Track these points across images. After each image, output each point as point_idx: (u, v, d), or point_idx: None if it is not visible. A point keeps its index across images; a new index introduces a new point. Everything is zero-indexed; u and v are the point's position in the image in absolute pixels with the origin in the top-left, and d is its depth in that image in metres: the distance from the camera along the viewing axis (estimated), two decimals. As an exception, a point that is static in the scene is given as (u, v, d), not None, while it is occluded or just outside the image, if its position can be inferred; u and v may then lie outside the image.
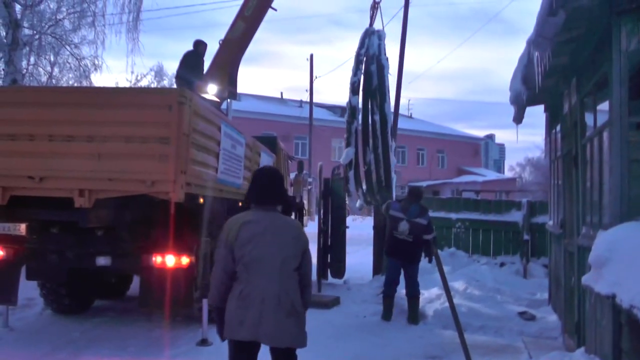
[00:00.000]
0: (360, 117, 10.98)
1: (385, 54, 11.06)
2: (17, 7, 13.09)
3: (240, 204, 8.95)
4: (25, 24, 13.29)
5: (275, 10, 12.26)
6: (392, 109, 12.07)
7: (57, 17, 13.99)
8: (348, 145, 11.14)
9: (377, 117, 10.75)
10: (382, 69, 10.87)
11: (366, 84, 10.93)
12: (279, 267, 3.57)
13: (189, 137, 6.21)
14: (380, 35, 11.12)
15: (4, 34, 12.79)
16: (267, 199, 3.76)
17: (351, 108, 10.99)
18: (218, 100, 11.62)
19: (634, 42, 4.34)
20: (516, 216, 12.66)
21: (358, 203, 12.22)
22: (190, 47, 11.52)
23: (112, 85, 21.36)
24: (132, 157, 6.16)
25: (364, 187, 11.29)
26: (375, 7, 11.50)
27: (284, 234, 3.67)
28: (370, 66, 10.86)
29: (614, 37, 4.41)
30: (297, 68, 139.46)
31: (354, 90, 10.89)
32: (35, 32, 13.55)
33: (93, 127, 6.26)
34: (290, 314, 3.57)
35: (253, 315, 3.49)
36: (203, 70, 11.54)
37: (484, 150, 66.09)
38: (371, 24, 11.45)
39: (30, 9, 13.16)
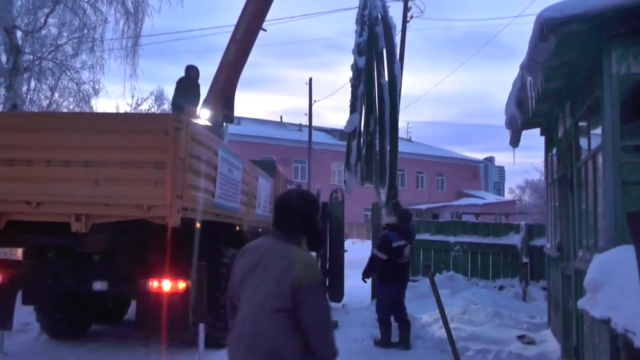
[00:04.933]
0: (364, 83, 10.16)
1: (390, 15, 10.66)
2: (19, 33, 13.24)
3: (237, 228, 8.98)
4: (27, 50, 13.43)
5: (265, 30, 12.32)
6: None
7: (58, 43, 14.15)
8: (353, 111, 10.11)
9: (384, 81, 10.25)
10: (389, 28, 10.50)
11: (371, 47, 10.34)
12: (258, 305, 2.92)
13: (185, 162, 6.24)
14: None
15: (5, 59, 12.91)
16: (276, 225, 3.17)
17: (357, 70, 10.10)
18: (210, 124, 11.66)
19: (624, 66, 4.39)
20: (515, 239, 12.65)
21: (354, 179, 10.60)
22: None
23: (113, 109, 21.49)
24: (128, 182, 6.19)
25: (363, 162, 10.34)
26: None
27: (273, 266, 2.97)
28: (375, 28, 10.39)
29: (605, 61, 4.46)
30: (296, 92, 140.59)
31: (359, 52, 10.12)
32: (35, 57, 13.69)
33: (90, 153, 6.31)
34: None
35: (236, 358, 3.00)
36: (198, 94, 11.63)
37: (484, 173, 66.17)
38: None
39: (31, 35, 13.30)
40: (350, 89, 10.11)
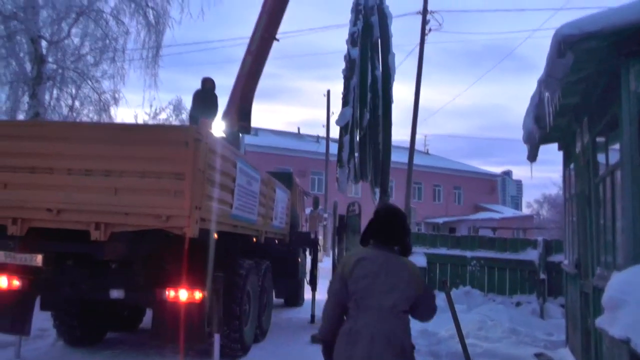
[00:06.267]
0: (357, 75, 9.89)
1: (386, 4, 10.29)
2: (43, 43, 13.50)
3: (254, 239, 9.02)
4: (50, 59, 13.68)
5: (278, 40, 12.41)
6: (409, 144, 11.44)
7: (80, 52, 14.39)
8: (345, 104, 9.93)
9: (378, 73, 9.91)
10: (384, 18, 10.19)
11: (366, 37, 10.05)
12: (389, 307, 3.47)
13: (205, 174, 6.30)
14: None
15: (30, 68, 13.16)
16: (385, 238, 3.64)
17: (350, 61, 9.95)
18: (225, 135, 11.78)
19: (643, 83, 4.38)
20: (532, 255, 12.55)
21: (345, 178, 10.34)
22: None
23: (131, 118, 21.71)
24: (148, 192, 6.25)
25: (357, 158, 10.06)
26: None
27: (398, 274, 3.54)
28: (371, 17, 10.11)
29: (623, 78, 4.46)
30: (313, 103, 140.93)
31: (352, 42, 9.98)
32: (58, 66, 13.93)
33: (111, 162, 6.39)
34: (399, 356, 3.45)
35: (362, 353, 3.42)
36: (215, 105, 11.76)
37: (501, 187, 65.72)
38: None
39: (54, 45, 13.55)
40: (343, 81, 9.84)
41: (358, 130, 9.94)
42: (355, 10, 10.09)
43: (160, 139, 6.58)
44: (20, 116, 13.42)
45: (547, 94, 5.28)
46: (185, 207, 6.09)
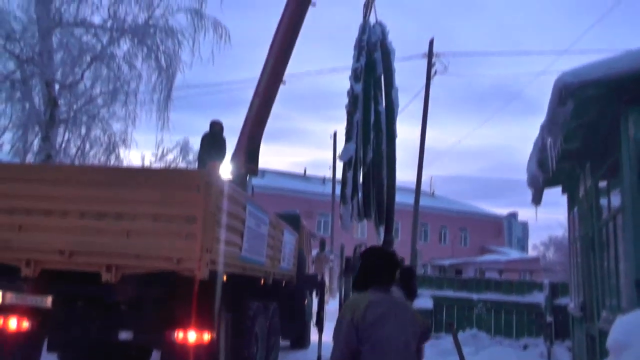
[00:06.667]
0: (361, 110, 9.81)
1: (389, 39, 10.36)
2: (56, 86, 13.81)
3: (262, 281, 9.07)
4: (62, 101, 13.99)
5: (284, 83, 12.59)
6: (415, 186, 11.23)
7: (92, 95, 14.69)
8: (349, 139, 9.75)
9: (381, 108, 9.91)
10: (387, 54, 10.26)
11: (369, 73, 10.07)
12: (404, 349, 3.63)
13: (215, 217, 6.41)
14: (382, 24, 10.51)
15: (43, 111, 13.45)
16: (383, 282, 3.81)
17: (353, 96, 9.82)
18: (233, 178, 11.90)
19: (642, 130, 4.53)
20: (538, 297, 12.56)
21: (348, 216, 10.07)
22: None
23: (138, 159, 21.88)
24: (159, 234, 6.35)
25: (360, 195, 9.87)
26: (369, 5, 10.78)
27: (405, 315, 3.72)
28: (374, 54, 10.16)
29: (622, 125, 4.61)
30: (320, 144, 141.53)
31: (356, 78, 9.90)
32: (70, 109, 14.23)
33: (123, 205, 6.51)
34: None
35: None
36: (223, 148, 11.91)
37: (507, 229, 65.38)
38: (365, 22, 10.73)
39: (68, 89, 13.88)
40: (346, 116, 9.75)
41: (361, 167, 9.92)
42: (359, 46, 10.21)
43: (172, 182, 6.71)
44: (31, 158, 13.66)
45: (549, 140, 5.42)
46: (196, 249, 6.18)
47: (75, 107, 14.44)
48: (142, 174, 7.58)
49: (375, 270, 3.82)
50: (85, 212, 6.60)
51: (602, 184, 5.98)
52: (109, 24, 13.86)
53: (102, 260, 6.42)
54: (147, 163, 21.82)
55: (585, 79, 4.48)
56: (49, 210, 6.68)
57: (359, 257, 11.31)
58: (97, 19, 13.98)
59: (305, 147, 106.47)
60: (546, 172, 6.35)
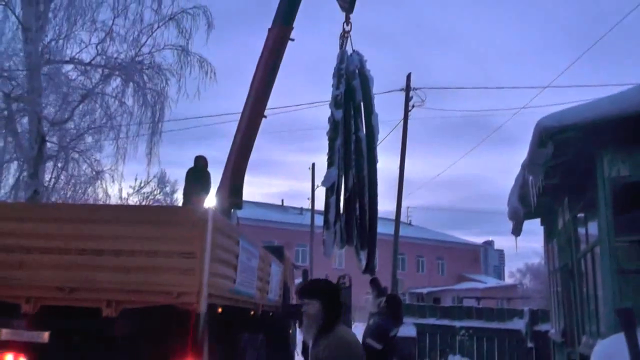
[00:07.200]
0: (342, 136, 9.97)
1: (367, 67, 10.58)
2: (45, 122, 13.89)
3: (252, 312, 9.26)
4: (50, 138, 14.08)
5: (265, 117, 12.80)
6: (394, 216, 11.43)
7: (79, 130, 14.79)
8: (331, 165, 9.79)
9: (362, 134, 10.12)
10: (366, 81, 10.47)
11: (348, 100, 10.25)
12: None
13: (212, 252, 6.63)
14: (359, 53, 10.77)
15: (31, 147, 13.51)
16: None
17: (334, 122, 9.93)
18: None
19: (615, 169, 4.94)
20: (519, 324, 12.90)
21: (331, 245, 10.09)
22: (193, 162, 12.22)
23: (116, 192, 21.83)
24: (158, 270, 6.53)
25: (343, 221, 9.90)
26: (344, 36, 11.07)
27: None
28: (353, 81, 10.34)
29: (598, 165, 5.01)
30: (296, 176, 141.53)
31: (336, 104, 10.04)
32: (59, 146, 14.34)
33: (121, 242, 6.68)
34: None
35: None
36: (208, 183, 12.11)
37: (483, 257, 66.06)
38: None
39: (57, 126, 14.00)
40: (328, 142, 9.84)
41: (343, 192, 10.03)
42: (337, 74, 10.36)
43: (169, 220, 6.93)
44: (21, 194, 13.68)
45: (530, 178, 5.80)
46: (195, 284, 6.39)
47: (63, 143, 14.52)
48: (139, 211, 7.80)
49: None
50: (84, 249, 6.75)
51: (580, 216, 6.36)
52: (97, 60, 14.07)
53: (102, 296, 6.56)
54: (124, 195, 21.74)
55: (564, 123, 4.88)
56: (48, 248, 6.83)
57: (348, 288, 11.34)
58: (85, 56, 14.19)
59: (282, 178, 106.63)
60: (527, 206, 6.73)
